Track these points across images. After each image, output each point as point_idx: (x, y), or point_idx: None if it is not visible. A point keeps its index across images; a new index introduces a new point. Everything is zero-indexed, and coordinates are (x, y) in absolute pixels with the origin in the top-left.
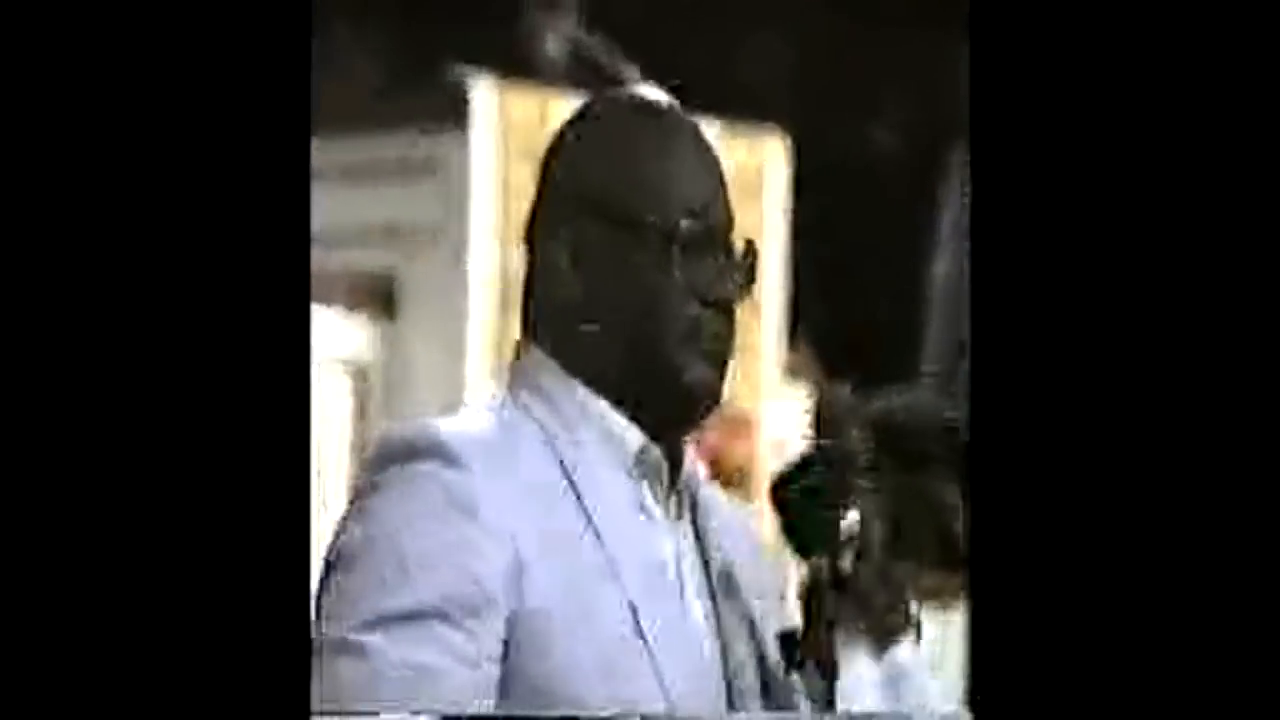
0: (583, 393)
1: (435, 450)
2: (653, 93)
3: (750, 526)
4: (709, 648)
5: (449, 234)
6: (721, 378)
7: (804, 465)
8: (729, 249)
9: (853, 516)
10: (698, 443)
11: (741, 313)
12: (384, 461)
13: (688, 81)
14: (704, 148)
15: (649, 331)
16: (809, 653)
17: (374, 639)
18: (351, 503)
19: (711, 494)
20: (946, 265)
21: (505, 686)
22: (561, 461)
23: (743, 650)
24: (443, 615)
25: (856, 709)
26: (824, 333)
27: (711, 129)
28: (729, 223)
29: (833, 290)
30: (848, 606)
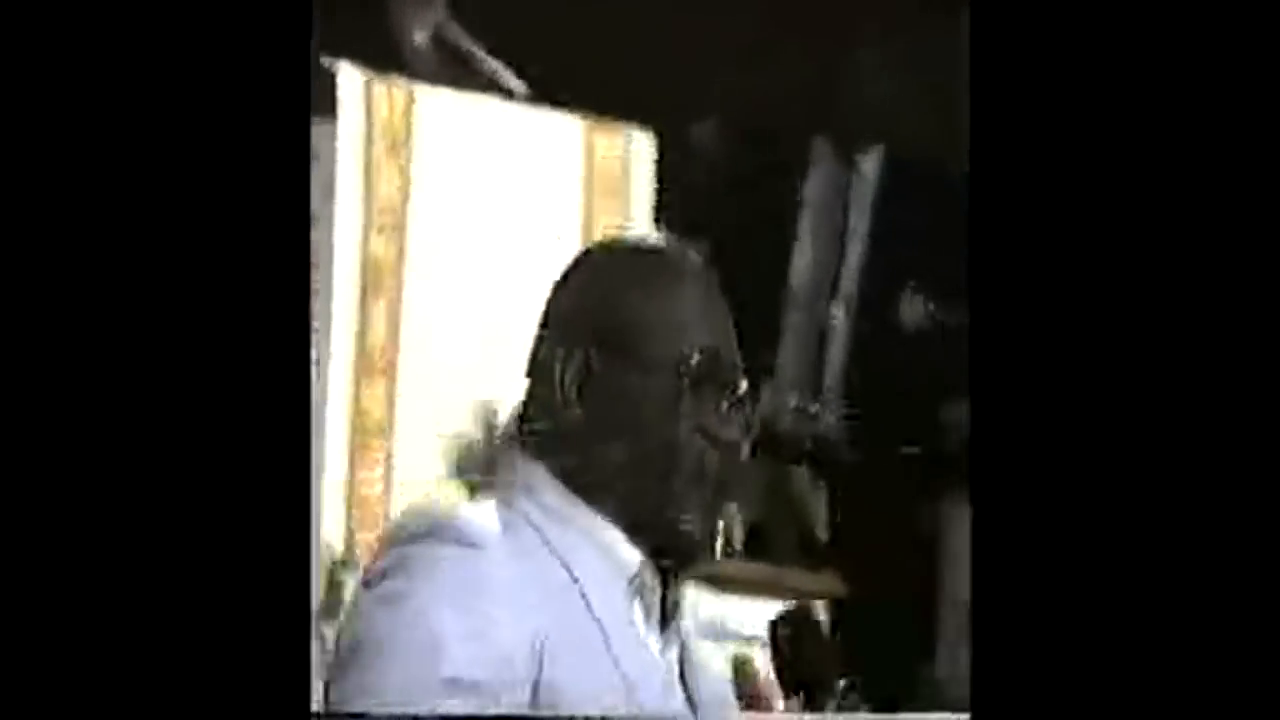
0: (585, 510)
1: (454, 534)
2: (664, 237)
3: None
4: None
5: (320, 221)
6: (715, 532)
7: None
8: (736, 392)
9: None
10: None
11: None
12: (403, 543)
13: (554, 75)
14: (714, 290)
15: (657, 465)
16: None
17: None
18: (368, 584)
19: (699, 646)
20: (807, 260)
21: None
22: (564, 563)
23: None
24: (476, 687)
25: None
26: None
27: (577, 124)
28: (737, 367)
29: None
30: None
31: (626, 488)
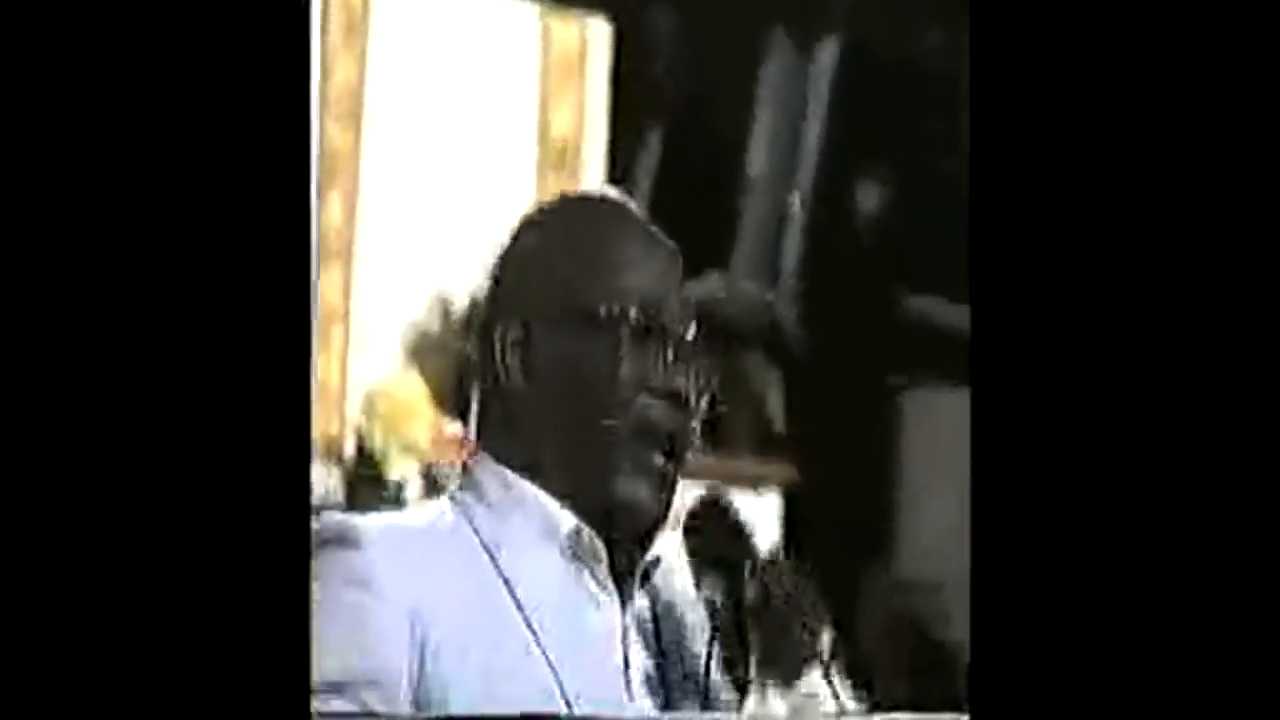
0: (512, 477)
1: (337, 537)
2: (607, 190)
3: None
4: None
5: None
6: (664, 496)
7: (713, 500)
8: (681, 343)
9: (763, 551)
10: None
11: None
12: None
13: None
14: (658, 242)
15: (598, 426)
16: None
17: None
18: None
19: (671, 582)
20: (764, 148)
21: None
22: (484, 543)
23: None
24: (338, 690)
25: None
26: (644, 217)
27: (531, 11)
28: (683, 317)
29: (653, 178)
30: (757, 636)
31: (566, 455)
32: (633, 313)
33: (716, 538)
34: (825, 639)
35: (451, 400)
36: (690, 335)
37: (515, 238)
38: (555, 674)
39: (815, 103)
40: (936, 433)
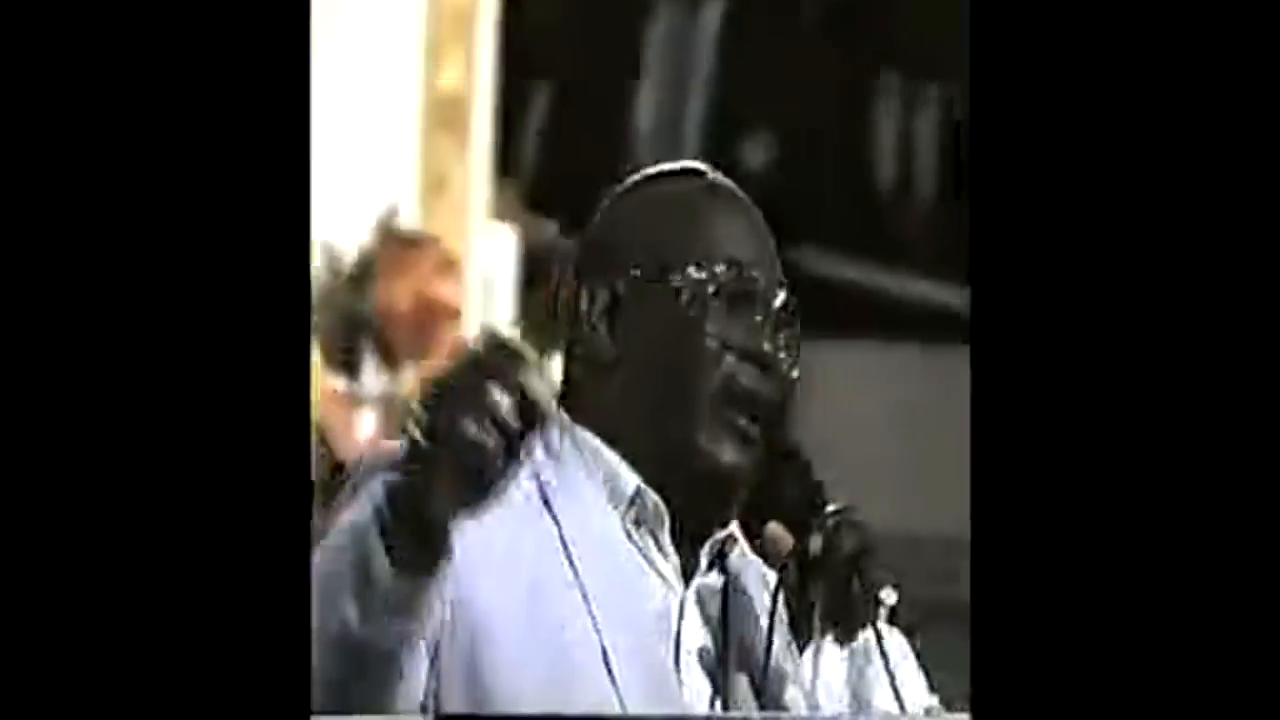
0: (583, 434)
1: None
2: (699, 165)
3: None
4: (689, 693)
5: None
6: (747, 460)
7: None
8: (769, 308)
9: (829, 507)
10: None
11: (450, 150)
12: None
13: None
14: (752, 214)
15: (680, 387)
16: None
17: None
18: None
19: (746, 565)
20: (652, 104)
21: (440, 661)
22: (545, 498)
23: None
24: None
25: (825, 698)
26: (531, 174)
27: None
28: (773, 285)
29: (541, 131)
30: (816, 591)
31: (650, 418)
32: (721, 272)
33: (788, 489)
34: (886, 597)
35: (338, 355)
36: (780, 302)
37: (607, 206)
38: (601, 639)
39: (701, 59)
40: (825, 382)
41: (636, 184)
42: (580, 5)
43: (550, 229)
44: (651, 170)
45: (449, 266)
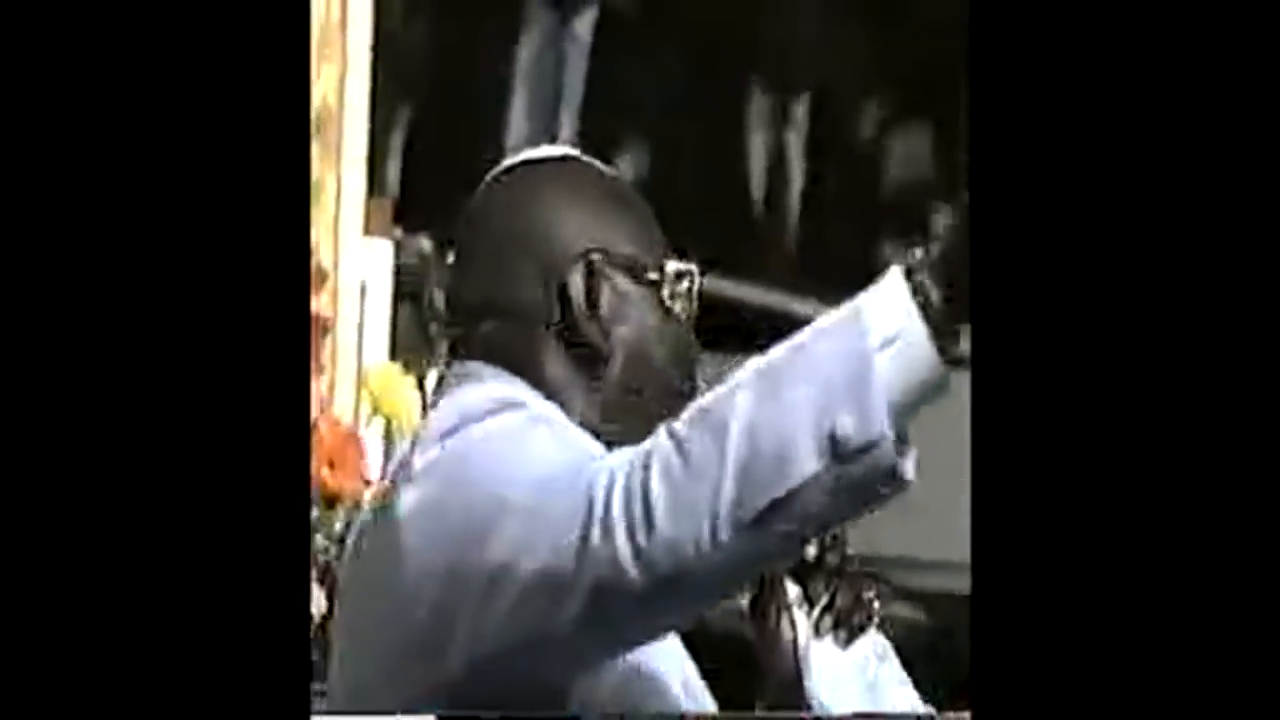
0: (569, 421)
1: (505, 404)
2: (558, 150)
3: None
4: None
5: None
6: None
7: None
8: (664, 273)
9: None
10: None
11: (322, 164)
12: (446, 436)
13: None
14: (630, 191)
15: (665, 386)
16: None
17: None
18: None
19: None
20: (522, 118)
21: None
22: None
23: None
24: (526, 510)
25: (833, 697)
26: (405, 188)
27: None
28: (660, 253)
29: (416, 147)
30: (814, 596)
31: (638, 409)
32: (667, 265)
33: None
34: (879, 603)
35: None
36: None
37: (510, 189)
38: None
39: (571, 73)
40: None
41: (529, 169)
42: (452, 23)
43: (423, 243)
44: (529, 156)
45: (321, 279)
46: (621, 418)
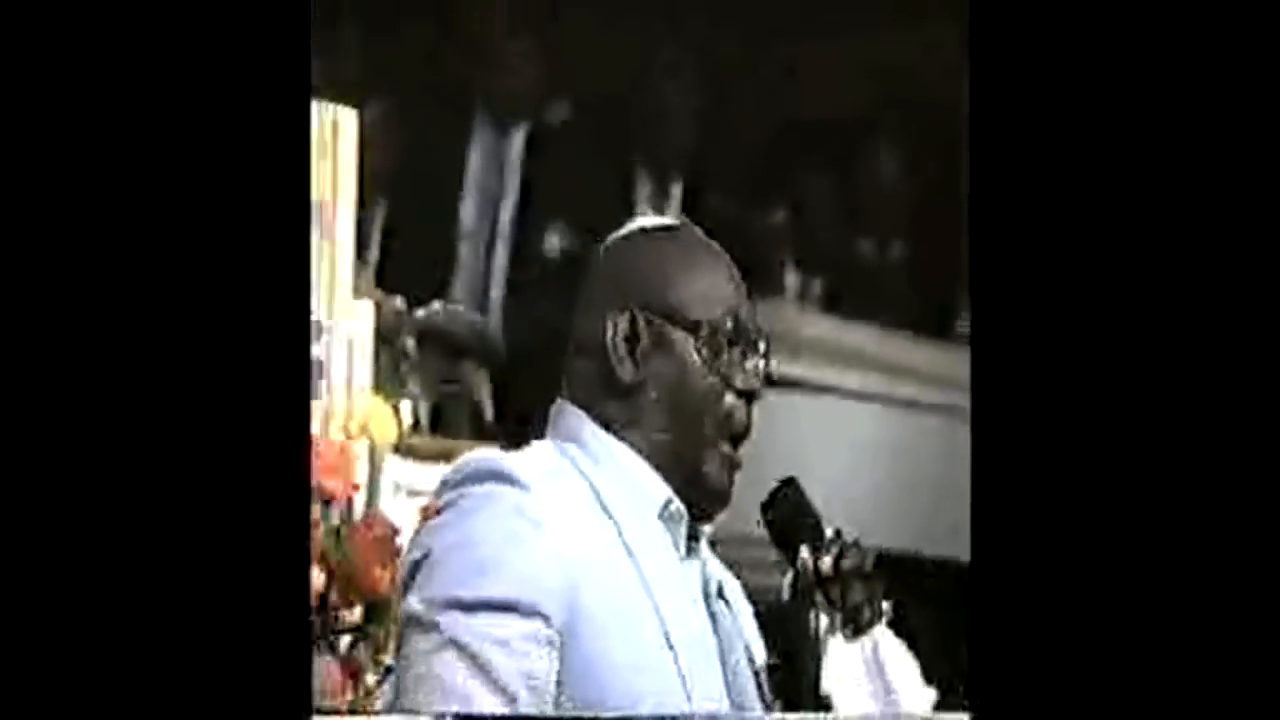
0: (624, 451)
1: (507, 476)
2: (672, 219)
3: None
4: (714, 650)
5: None
6: (732, 480)
7: (789, 482)
8: (755, 346)
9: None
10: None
11: (321, 244)
12: (460, 485)
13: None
14: (725, 259)
15: (691, 415)
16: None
17: (448, 617)
18: (427, 517)
19: (712, 557)
20: (473, 207)
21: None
22: (603, 503)
23: (739, 650)
24: (510, 608)
25: (842, 693)
26: (383, 260)
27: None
28: (755, 327)
29: (392, 230)
30: (828, 599)
31: (663, 434)
32: (727, 323)
33: (792, 513)
34: (884, 606)
35: None
36: (765, 347)
37: (610, 248)
38: (662, 622)
39: (510, 173)
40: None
41: (632, 234)
42: (417, 132)
43: (397, 304)
44: (642, 223)
45: (319, 331)
46: (649, 444)
